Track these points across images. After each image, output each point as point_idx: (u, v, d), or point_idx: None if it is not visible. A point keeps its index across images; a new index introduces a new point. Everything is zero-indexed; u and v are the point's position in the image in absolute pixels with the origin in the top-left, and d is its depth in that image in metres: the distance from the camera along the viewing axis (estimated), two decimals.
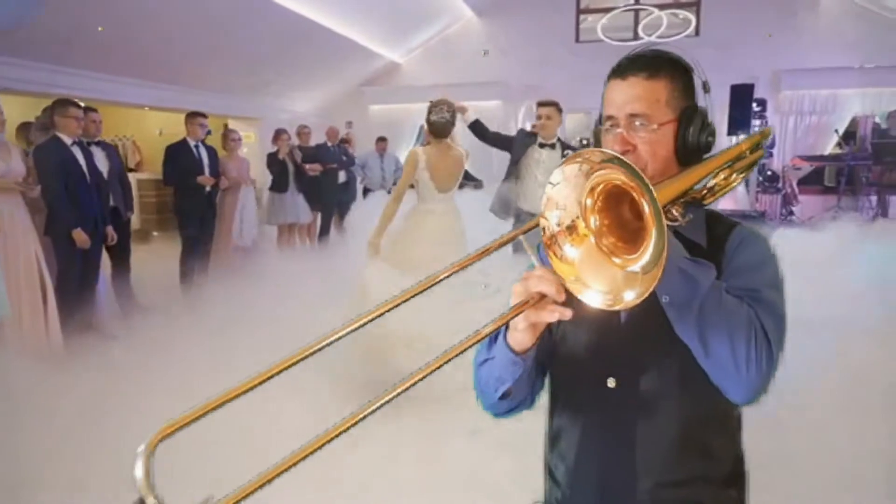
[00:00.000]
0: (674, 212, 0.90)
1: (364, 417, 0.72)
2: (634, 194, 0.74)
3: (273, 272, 5.25)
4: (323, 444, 0.70)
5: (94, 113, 4.75)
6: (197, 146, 5.46)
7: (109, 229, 4.46)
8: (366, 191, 8.55)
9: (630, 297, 0.75)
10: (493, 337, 0.99)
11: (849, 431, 2.56)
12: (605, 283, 0.79)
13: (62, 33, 5.50)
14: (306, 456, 0.69)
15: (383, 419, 2.53)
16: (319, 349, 0.76)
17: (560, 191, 0.81)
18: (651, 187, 0.71)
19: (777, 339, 0.88)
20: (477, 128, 4.55)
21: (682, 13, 8.91)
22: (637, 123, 0.98)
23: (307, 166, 6.89)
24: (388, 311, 0.79)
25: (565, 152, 4.31)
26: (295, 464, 0.68)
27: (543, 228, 0.84)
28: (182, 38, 6.68)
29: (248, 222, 5.81)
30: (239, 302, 4.51)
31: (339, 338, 0.77)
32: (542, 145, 4.36)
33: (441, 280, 0.83)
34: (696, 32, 9.15)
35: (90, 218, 4.25)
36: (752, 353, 0.86)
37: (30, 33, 5.19)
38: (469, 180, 9.23)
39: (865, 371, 2.98)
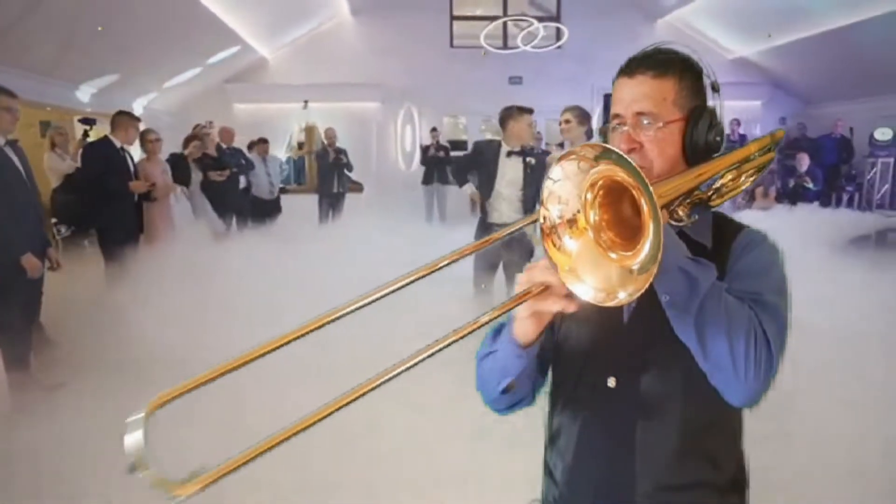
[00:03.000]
0: (679, 212, 0.91)
1: (362, 395, 0.74)
2: (633, 191, 0.74)
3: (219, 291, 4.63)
4: (318, 420, 0.71)
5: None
6: (122, 148, 4.57)
7: (52, 252, 3.53)
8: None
9: (623, 296, 0.76)
10: (497, 330, 1.02)
11: (847, 433, 2.63)
12: (600, 278, 0.79)
13: None
14: (300, 430, 0.70)
15: (388, 415, 2.64)
16: (295, 338, 0.75)
17: (562, 186, 0.81)
18: (647, 183, 0.71)
19: (777, 344, 0.88)
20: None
21: (558, 26, 9.74)
22: (644, 122, 0.97)
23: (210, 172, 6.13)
24: (347, 313, 0.78)
25: (527, 160, 4.15)
26: (288, 438, 0.70)
27: (543, 218, 0.83)
28: None
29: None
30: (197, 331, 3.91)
31: (297, 337, 0.75)
32: (509, 153, 4.17)
33: (408, 283, 0.82)
34: (558, 46, 10.10)
35: (37, 238, 3.33)
36: (752, 355, 0.85)
37: None
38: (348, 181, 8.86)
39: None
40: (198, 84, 9.59)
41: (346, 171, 8.10)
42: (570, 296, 0.83)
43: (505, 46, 10.41)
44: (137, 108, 8.77)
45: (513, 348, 0.94)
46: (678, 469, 0.97)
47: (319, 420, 0.71)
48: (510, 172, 4.11)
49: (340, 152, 8.01)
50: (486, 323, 0.83)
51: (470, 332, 0.81)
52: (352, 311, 0.78)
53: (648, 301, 0.88)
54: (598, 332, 1.02)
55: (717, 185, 1.03)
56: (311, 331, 0.75)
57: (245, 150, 7.47)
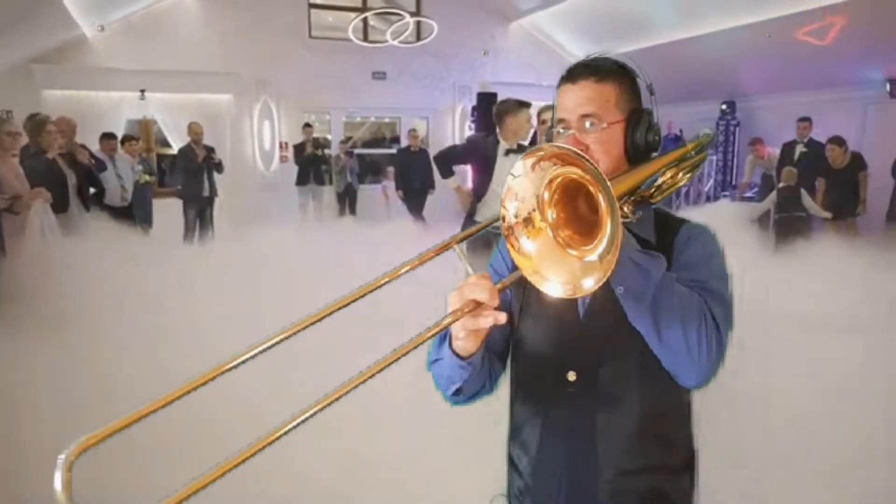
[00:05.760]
0: (625, 209, 0.94)
1: (292, 428, 0.73)
2: (590, 187, 0.77)
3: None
4: (266, 445, 0.70)
5: None
6: None
7: None
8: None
9: (589, 285, 0.79)
10: (443, 336, 1.03)
11: (842, 431, 2.63)
12: (564, 273, 0.82)
13: None
14: (232, 468, 0.68)
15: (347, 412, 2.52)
16: (237, 364, 0.76)
17: (520, 182, 0.84)
18: (605, 178, 0.75)
19: (725, 326, 0.94)
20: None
21: (419, 20, 9.55)
22: (588, 124, 1.02)
23: None
24: (311, 324, 0.80)
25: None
26: (217, 477, 0.67)
27: (503, 217, 0.86)
28: None
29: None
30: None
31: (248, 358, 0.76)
32: (508, 151, 3.90)
33: (372, 290, 0.84)
34: (418, 40, 9.96)
35: None
36: (703, 338, 0.90)
37: None
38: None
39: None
40: None
41: (216, 173, 7.03)
42: (499, 308, 0.88)
43: (365, 39, 9.96)
44: None
45: (455, 360, 0.97)
46: (636, 454, 1.02)
47: (279, 437, 0.72)
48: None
49: (210, 150, 6.92)
50: (425, 340, 0.83)
51: (410, 350, 0.82)
52: (317, 320, 0.79)
53: (603, 297, 0.95)
54: (556, 330, 1.06)
55: (658, 182, 1.09)
56: (277, 342, 0.77)
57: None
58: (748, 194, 8.77)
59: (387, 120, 11.01)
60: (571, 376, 1.03)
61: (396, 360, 0.80)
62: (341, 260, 4.77)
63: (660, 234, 1.05)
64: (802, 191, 6.57)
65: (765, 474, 2.44)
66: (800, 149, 7.26)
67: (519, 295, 1.10)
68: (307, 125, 8.58)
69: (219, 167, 7.04)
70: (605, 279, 0.76)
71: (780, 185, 6.74)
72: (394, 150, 9.95)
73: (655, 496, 1.05)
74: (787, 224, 6.35)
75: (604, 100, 1.02)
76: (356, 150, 9.98)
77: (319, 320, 0.79)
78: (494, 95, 9.07)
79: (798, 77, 8.40)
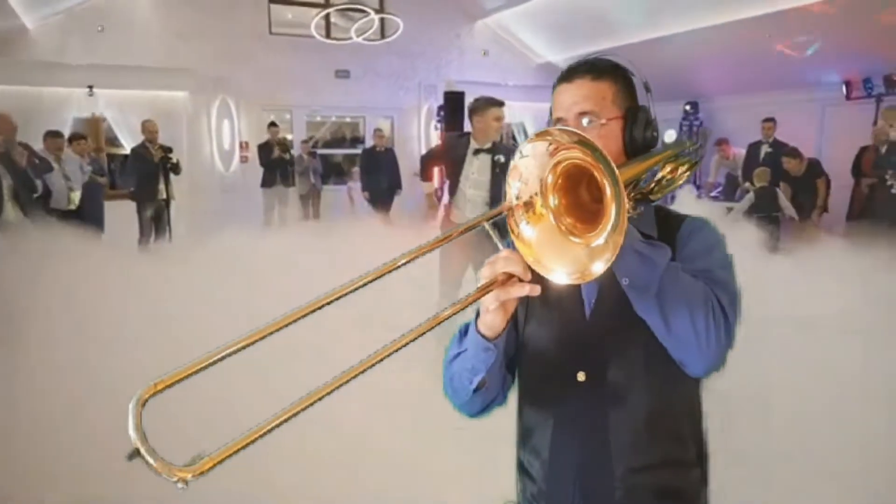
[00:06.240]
0: (626, 205, 0.94)
1: (337, 388, 0.75)
2: (595, 171, 0.76)
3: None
4: (304, 408, 0.72)
5: None
6: None
7: None
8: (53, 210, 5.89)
9: (599, 268, 0.77)
10: (463, 331, 1.04)
11: (841, 429, 2.63)
12: (568, 262, 0.80)
13: None
14: (288, 418, 0.71)
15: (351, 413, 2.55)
16: (280, 327, 0.76)
17: (527, 163, 0.83)
18: (610, 159, 0.75)
19: (732, 314, 0.93)
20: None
21: (384, 16, 9.33)
22: (585, 121, 1.03)
23: None
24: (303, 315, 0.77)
25: (496, 158, 3.78)
26: (278, 425, 0.70)
27: (505, 194, 0.86)
28: None
29: None
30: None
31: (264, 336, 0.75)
32: (477, 151, 3.76)
33: (376, 277, 0.82)
34: (383, 38, 9.75)
35: None
36: (711, 326, 0.89)
37: None
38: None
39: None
40: None
41: (172, 174, 6.64)
42: (533, 280, 0.85)
43: (328, 36, 9.67)
44: None
45: (481, 343, 0.97)
46: (649, 450, 1.02)
47: (311, 404, 0.72)
48: (476, 173, 3.69)
49: (167, 150, 6.53)
50: (449, 317, 0.83)
51: (431, 328, 0.81)
52: (296, 319, 0.76)
53: (608, 295, 0.98)
54: (562, 331, 1.05)
55: (658, 177, 1.10)
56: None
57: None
58: (713, 194, 8.88)
59: (348, 119, 10.72)
60: (581, 377, 1.02)
61: (421, 334, 0.79)
62: (306, 266, 4.57)
63: (661, 231, 1.04)
64: (778, 190, 6.64)
65: (765, 474, 2.44)
66: (765, 149, 7.37)
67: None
68: (273, 124, 8.24)
69: (176, 168, 6.66)
70: (613, 259, 0.75)
71: (756, 185, 6.80)
72: (358, 151, 9.69)
73: (669, 492, 1.04)
74: (763, 223, 6.41)
75: (600, 97, 1.02)
76: (318, 151, 9.67)
77: (330, 302, 0.77)
78: (462, 94, 8.93)
79: (758, 79, 8.54)
